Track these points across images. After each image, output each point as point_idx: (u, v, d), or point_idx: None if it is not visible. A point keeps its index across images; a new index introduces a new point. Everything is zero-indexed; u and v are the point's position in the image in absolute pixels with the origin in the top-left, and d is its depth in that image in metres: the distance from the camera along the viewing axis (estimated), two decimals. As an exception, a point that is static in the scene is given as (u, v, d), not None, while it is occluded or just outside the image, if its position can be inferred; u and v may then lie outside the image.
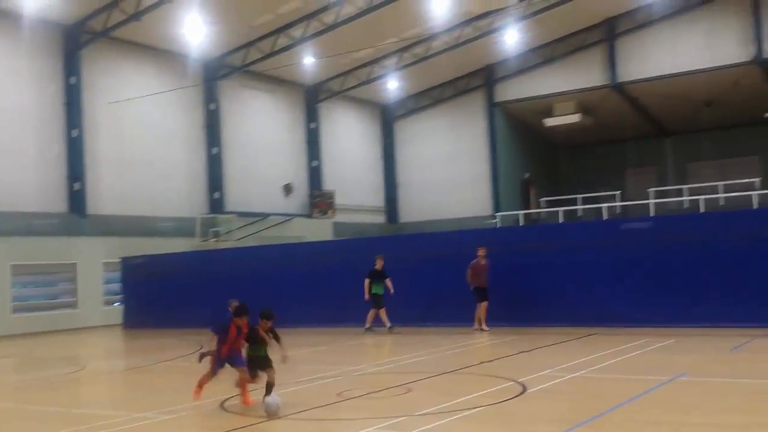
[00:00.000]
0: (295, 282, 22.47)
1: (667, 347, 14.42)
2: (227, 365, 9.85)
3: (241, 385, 9.93)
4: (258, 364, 9.76)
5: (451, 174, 35.82)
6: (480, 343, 16.22)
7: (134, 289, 25.12)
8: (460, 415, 8.89)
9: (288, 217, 30.65)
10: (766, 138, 33.00)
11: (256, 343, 9.77)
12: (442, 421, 8.61)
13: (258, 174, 30.27)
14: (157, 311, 23.94)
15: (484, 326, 18.28)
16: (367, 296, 19.04)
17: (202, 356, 10.23)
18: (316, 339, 19.04)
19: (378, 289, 19.12)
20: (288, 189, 31.49)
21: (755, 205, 26.18)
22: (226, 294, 13.00)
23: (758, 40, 28.66)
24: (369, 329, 19.19)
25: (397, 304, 20.97)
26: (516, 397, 9.80)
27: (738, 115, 32.79)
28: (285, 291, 22.49)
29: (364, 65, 32.34)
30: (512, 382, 10.75)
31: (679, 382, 10.59)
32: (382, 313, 19.05)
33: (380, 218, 36.66)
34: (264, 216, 29.79)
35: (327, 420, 9.21)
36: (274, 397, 9.34)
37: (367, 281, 19.08)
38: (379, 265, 19.27)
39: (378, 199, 36.77)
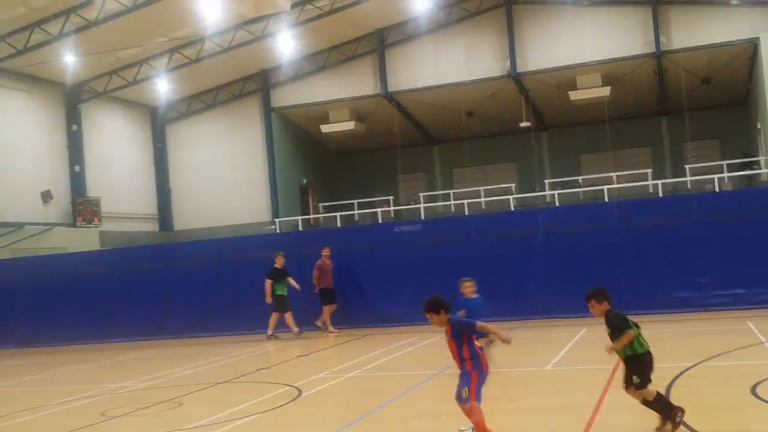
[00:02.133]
0: (56, 296, 20.81)
1: (435, 343, 15.09)
2: None
3: None
4: None
5: (228, 180, 35.12)
6: (257, 351, 15.99)
7: None
8: (233, 425, 8.64)
9: (47, 227, 28.30)
10: (521, 146, 35.97)
11: None
12: (215, 433, 8.31)
13: (11, 180, 27.58)
14: None
15: (331, 328, 17.75)
16: (269, 299, 17.42)
17: None
18: (79, 356, 17.77)
19: (282, 290, 17.58)
20: (47, 196, 29.02)
21: (512, 208, 28.41)
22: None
23: (511, 57, 31.17)
24: (272, 336, 17.54)
25: (169, 314, 20.21)
26: (292, 401, 9.73)
27: (496, 124, 35.44)
28: (43, 306, 20.78)
29: (132, 65, 30.74)
30: (288, 387, 10.67)
31: (444, 375, 11.11)
32: (288, 316, 17.51)
33: (152, 226, 35.03)
34: (19, 225, 27.25)
35: (88, 442, 8.54)
36: None
37: (268, 282, 17.44)
38: (279, 263, 17.71)
39: (150, 207, 35.12)
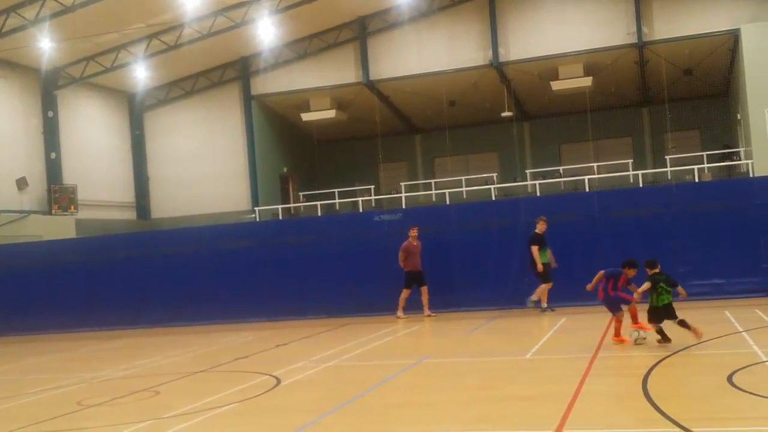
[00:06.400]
0: (31, 285, 20.56)
1: (415, 332, 15.10)
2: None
3: None
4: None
5: (207, 168, 34.81)
6: (235, 340, 15.87)
7: None
8: (211, 414, 8.55)
9: (22, 215, 27.91)
10: (503, 136, 35.95)
11: None
12: (192, 422, 8.22)
13: (-16, 167, 27.19)
14: None
15: (400, 313, 16.78)
16: (540, 267, 15.74)
17: None
18: (55, 345, 17.57)
19: (545, 258, 15.87)
20: (22, 183, 28.59)
21: (493, 198, 28.42)
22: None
23: (494, 46, 31.09)
24: (547, 308, 15.88)
25: (146, 303, 20.06)
26: (269, 390, 9.65)
27: (478, 114, 35.38)
28: (19, 294, 20.53)
29: (109, 51, 30.30)
30: (267, 376, 10.59)
31: (424, 364, 11.09)
32: (543, 289, 15.76)
33: (130, 214, 34.69)
34: (-7, 213, 26.88)
35: (65, 431, 8.41)
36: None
37: (535, 249, 15.77)
38: (541, 228, 16.01)
39: (127, 195, 34.73)
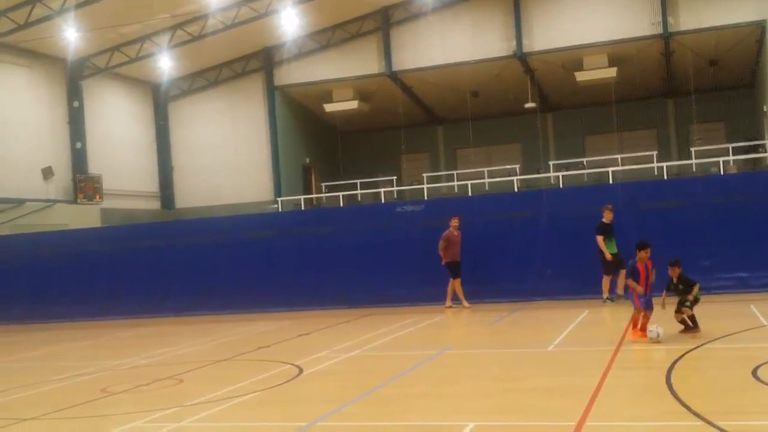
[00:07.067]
0: (56, 273, 20.81)
1: (437, 323, 15.09)
2: None
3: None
4: None
5: (230, 158, 34.98)
6: (257, 330, 15.96)
7: None
8: (233, 402, 8.61)
9: (48, 203, 28.24)
10: (526, 127, 35.74)
11: None
12: (215, 410, 8.29)
13: (11, 156, 27.48)
14: None
15: (464, 303, 16.61)
16: (608, 256, 15.35)
17: None
18: (78, 333, 17.77)
19: (612, 248, 15.51)
20: (48, 173, 28.91)
21: (516, 189, 28.28)
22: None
23: (518, 36, 30.89)
24: (616, 297, 15.39)
25: (169, 292, 20.20)
26: (292, 380, 9.69)
27: (501, 105, 35.19)
28: (43, 283, 20.79)
29: (134, 41, 30.53)
30: (289, 366, 10.64)
31: (446, 356, 11.08)
32: (606, 281, 15.47)
33: (154, 204, 34.98)
34: (19, 202, 27.19)
35: (89, 417, 8.52)
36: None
37: (600, 239, 15.48)
38: (608, 217, 15.71)
39: (152, 184, 35.03)
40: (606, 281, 15.58)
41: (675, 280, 10.81)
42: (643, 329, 10.60)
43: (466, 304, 16.68)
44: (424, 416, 7.53)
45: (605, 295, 15.59)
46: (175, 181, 35.79)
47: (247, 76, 35.17)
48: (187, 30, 30.37)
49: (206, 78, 35.38)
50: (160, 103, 35.43)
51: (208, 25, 30.18)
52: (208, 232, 20.48)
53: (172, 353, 13.23)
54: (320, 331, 14.90)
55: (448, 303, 16.79)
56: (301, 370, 10.24)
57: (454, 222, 16.80)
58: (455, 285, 16.68)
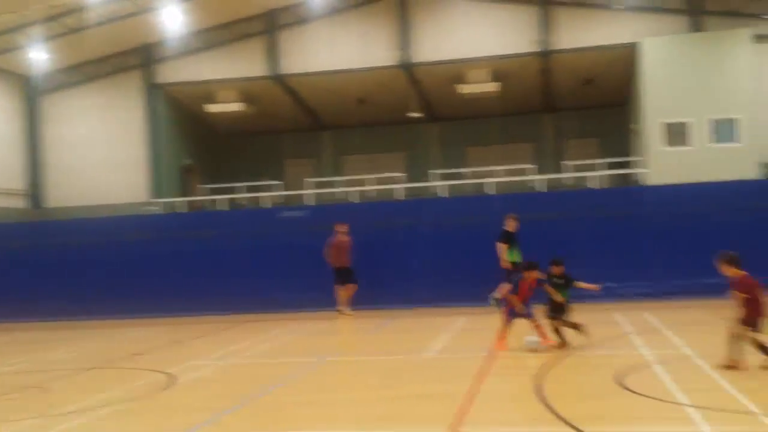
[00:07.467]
0: None
1: (319, 330, 15.06)
2: None
3: None
4: None
5: (107, 157, 33.54)
6: (131, 336, 15.39)
7: None
8: (104, 411, 8.26)
9: None
10: (410, 136, 36.26)
11: None
12: (83, 419, 7.91)
13: None
14: None
15: (347, 310, 16.47)
16: (505, 263, 15.16)
17: None
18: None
19: (514, 256, 15.36)
20: None
21: (401, 197, 28.59)
22: None
23: (404, 47, 31.32)
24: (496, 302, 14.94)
25: (37, 296, 19.22)
26: (166, 388, 9.40)
27: (386, 113, 35.56)
28: None
29: (6, 32, 28.85)
30: (162, 374, 10.31)
31: (328, 363, 11.06)
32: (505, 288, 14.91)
33: (20, 203, 33.10)
34: None
35: (-61, 432, 7.92)
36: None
37: (503, 246, 15.35)
38: (511, 226, 15.58)
39: (19, 182, 33.13)
40: (503, 288, 15.64)
41: (558, 274, 11.01)
42: (502, 340, 10.95)
43: (348, 311, 16.73)
44: (301, 424, 7.48)
45: (497, 294, 15.68)
46: (47, 179, 34.02)
47: (126, 72, 33.89)
48: (63, 22, 28.99)
49: (84, 73, 33.86)
50: (32, 98, 33.62)
51: (85, 18, 28.91)
52: (81, 233, 19.61)
53: (39, 360, 12.55)
54: (199, 338, 14.54)
55: (344, 309, 16.74)
56: (175, 379, 9.95)
57: (341, 228, 16.80)
58: (342, 291, 16.70)
